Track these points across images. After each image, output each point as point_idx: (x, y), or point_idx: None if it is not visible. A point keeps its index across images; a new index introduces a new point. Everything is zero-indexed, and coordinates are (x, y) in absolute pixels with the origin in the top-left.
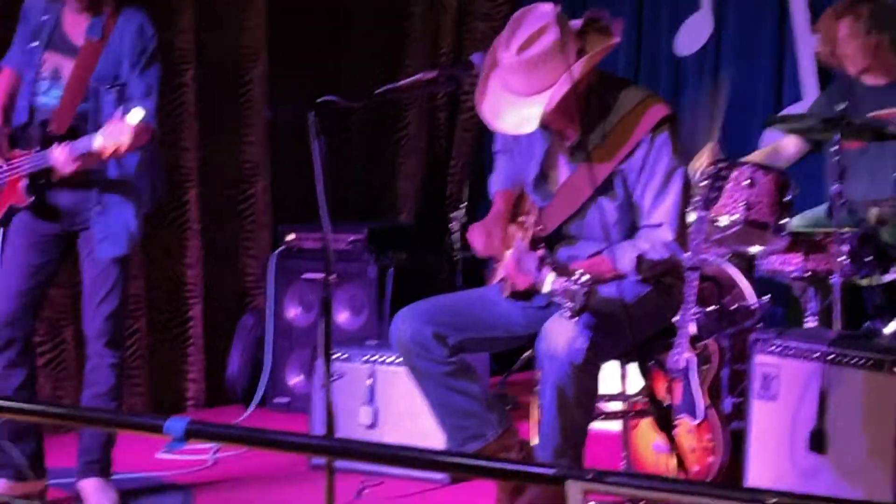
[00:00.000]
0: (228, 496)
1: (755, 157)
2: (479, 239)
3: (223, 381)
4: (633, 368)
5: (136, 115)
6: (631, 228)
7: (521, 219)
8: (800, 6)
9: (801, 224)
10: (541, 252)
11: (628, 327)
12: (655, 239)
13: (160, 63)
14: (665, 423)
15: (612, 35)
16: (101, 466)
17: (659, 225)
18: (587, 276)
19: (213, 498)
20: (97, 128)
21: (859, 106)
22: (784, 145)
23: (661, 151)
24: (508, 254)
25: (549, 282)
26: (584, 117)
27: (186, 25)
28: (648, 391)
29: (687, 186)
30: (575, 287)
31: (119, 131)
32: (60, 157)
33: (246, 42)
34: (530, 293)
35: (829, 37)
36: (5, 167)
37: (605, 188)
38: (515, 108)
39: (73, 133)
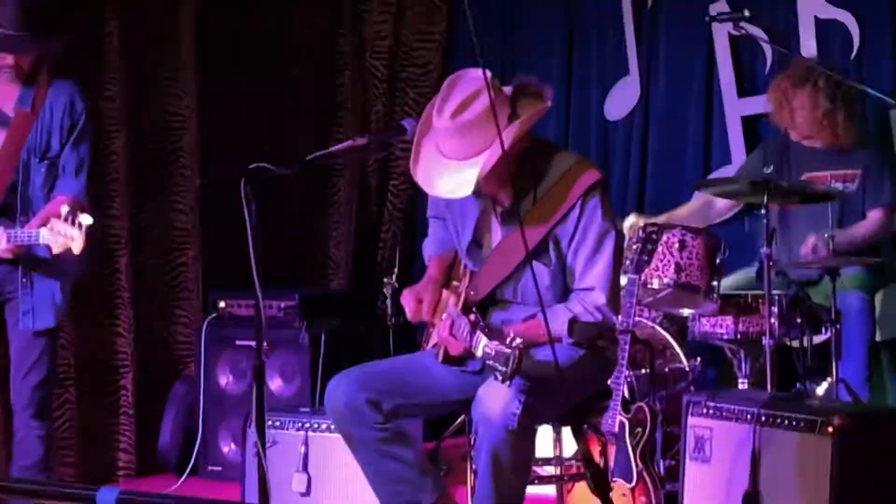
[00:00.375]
0: None
1: (683, 211)
2: (409, 304)
3: (155, 449)
4: (567, 432)
5: (87, 220)
6: (564, 292)
7: (454, 283)
8: (727, 70)
9: (732, 283)
10: (472, 317)
11: (562, 390)
12: (588, 302)
13: (91, 137)
14: (601, 485)
15: (544, 99)
16: None
17: (591, 288)
18: (519, 340)
19: None
20: (26, 202)
21: (792, 166)
22: (714, 200)
23: (592, 216)
24: (442, 319)
25: (482, 346)
26: (517, 182)
27: (117, 92)
28: (584, 454)
29: (619, 249)
30: (507, 350)
31: (69, 236)
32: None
33: (176, 109)
34: (464, 358)
35: (783, 101)
36: None
37: (538, 252)
38: (450, 173)
39: (5, 210)
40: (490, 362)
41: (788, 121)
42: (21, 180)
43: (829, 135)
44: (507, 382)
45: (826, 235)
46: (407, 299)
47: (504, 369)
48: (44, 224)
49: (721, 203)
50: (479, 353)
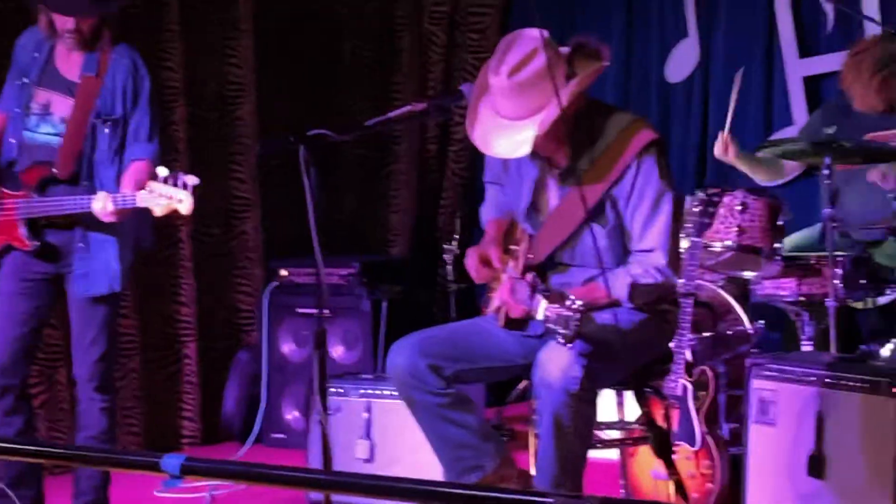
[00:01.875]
0: None
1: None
2: (475, 265)
3: (219, 418)
4: (630, 396)
5: (193, 180)
6: (623, 253)
7: (512, 247)
8: (787, 31)
9: (795, 242)
10: (532, 279)
11: (624, 354)
12: (648, 264)
13: (157, 102)
14: (664, 448)
15: (601, 59)
16: None
17: (651, 250)
18: (580, 303)
19: None
20: (90, 167)
21: (852, 129)
22: (781, 161)
23: (648, 176)
24: (502, 282)
25: (542, 309)
26: (574, 142)
27: (176, 62)
28: (646, 417)
29: (677, 210)
30: (568, 313)
31: (175, 198)
32: (104, 208)
33: (235, 78)
34: (525, 322)
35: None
36: None
37: (596, 214)
38: (507, 133)
39: (76, 178)
40: (551, 325)
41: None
42: (90, 144)
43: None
44: (569, 345)
45: (890, 196)
46: (472, 259)
47: (566, 332)
48: (139, 188)
49: (790, 164)
50: (539, 315)
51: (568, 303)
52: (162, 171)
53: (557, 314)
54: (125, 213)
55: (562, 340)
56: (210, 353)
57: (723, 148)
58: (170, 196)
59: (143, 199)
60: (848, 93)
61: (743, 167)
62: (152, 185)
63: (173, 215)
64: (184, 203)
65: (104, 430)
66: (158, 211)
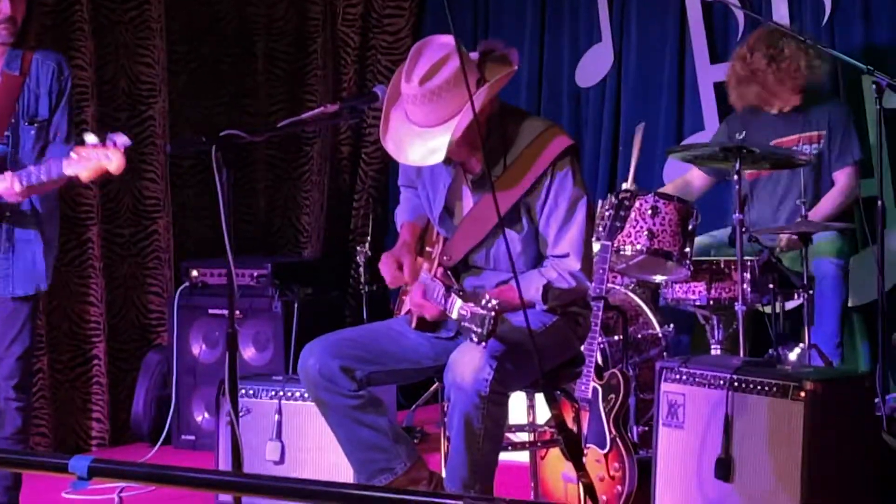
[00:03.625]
0: None
1: (664, 190)
2: (389, 270)
3: (128, 419)
4: (541, 399)
5: (124, 139)
6: (536, 259)
7: (427, 250)
8: (699, 37)
9: (704, 242)
10: (446, 279)
11: (535, 356)
12: (562, 268)
13: (73, 103)
14: (575, 451)
15: (511, 63)
16: None
17: (566, 255)
18: (495, 301)
19: None
20: (16, 166)
21: (760, 134)
22: (691, 179)
23: (563, 182)
24: (415, 284)
25: (457, 308)
26: (487, 148)
27: (87, 61)
28: (557, 419)
29: (591, 216)
30: (483, 312)
31: (103, 157)
32: (9, 188)
33: (146, 77)
34: (437, 324)
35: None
36: None
37: (510, 219)
38: (420, 140)
39: None
40: (465, 324)
41: (751, 91)
42: (11, 143)
43: (792, 90)
44: (483, 344)
45: (798, 201)
46: (386, 264)
47: (480, 330)
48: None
49: (696, 182)
50: (454, 314)
51: (483, 301)
52: (90, 138)
53: (472, 312)
54: (35, 190)
55: (476, 339)
56: (119, 354)
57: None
58: (97, 157)
59: (69, 166)
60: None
61: None
62: (78, 150)
63: (103, 179)
64: (112, 161)
65: (19, 429)
66: (85, 175)
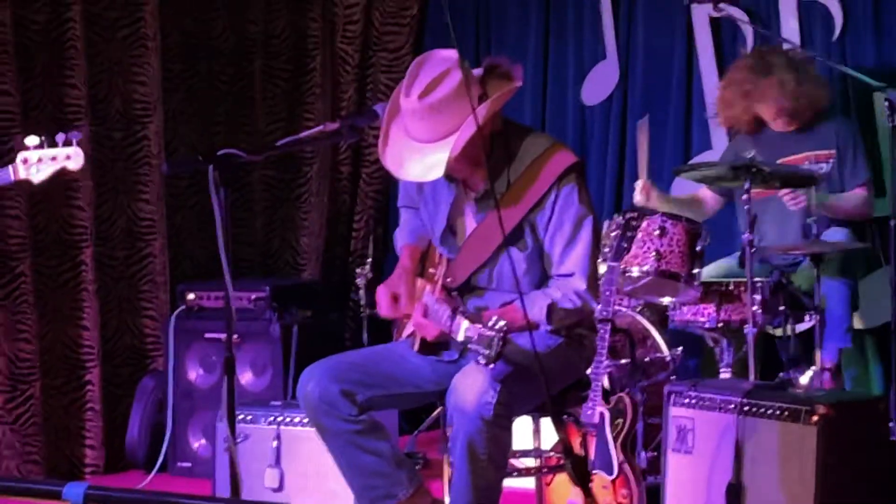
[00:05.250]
0: None
1: (670, 204)
2: (385, 301)
3: (123, 446)
4: (547, 423)
5: (76, 134)
6: (542, 278)
7: (430, 271)
8: (707, 53)
9: (713, 273)
10: (454, 301)
11: (541, 379)
12: (567, 288)
13: None
14: (582, 477)
15: (514, 79)
16: None
17: (570, 274)
18: (503, 323)
19: None
20: None
21: (768, 152)
22: (700, 199)
23: (568, 200)
24: (416, 305)
25: (464, 329)
26: (490, 165)
27: (80, 80)
28: (563, 445)
29: (596, 235)
30: (490, 333)
31: (60, 157)
32: None
33: (141, 96)
34: (439, 347)
35: (739, 93)
36: None
37: (514, 238)
38: (420, 156)
39: None
40: (473, 346)
41: (739, 107)
42: None
43: (797, 108)
44: (490, 366)
45: (808, 221)
46: (382, 296)
47: (488, 352)
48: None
49: (710, 203)
50: (460, 336)
51: (490, 323)
52: (31, 140)
53: (480, 334)
54: None
55: (483, 361)
56: (114, 379)
57: (644, 195)
58: (53, 157)
59: (18, 171)
60: (736, 113)
61: (665, 209)
62: (24, 154)
63: (65, 176)
64: (72, 159)
65: None
66: (39, 178)
